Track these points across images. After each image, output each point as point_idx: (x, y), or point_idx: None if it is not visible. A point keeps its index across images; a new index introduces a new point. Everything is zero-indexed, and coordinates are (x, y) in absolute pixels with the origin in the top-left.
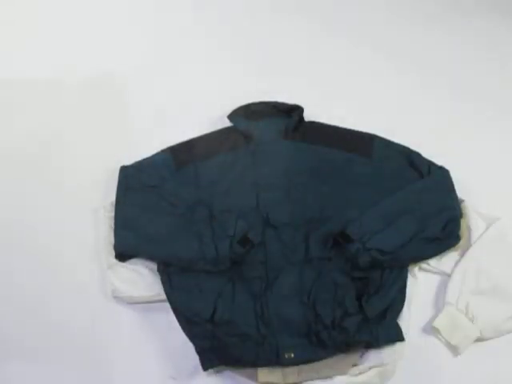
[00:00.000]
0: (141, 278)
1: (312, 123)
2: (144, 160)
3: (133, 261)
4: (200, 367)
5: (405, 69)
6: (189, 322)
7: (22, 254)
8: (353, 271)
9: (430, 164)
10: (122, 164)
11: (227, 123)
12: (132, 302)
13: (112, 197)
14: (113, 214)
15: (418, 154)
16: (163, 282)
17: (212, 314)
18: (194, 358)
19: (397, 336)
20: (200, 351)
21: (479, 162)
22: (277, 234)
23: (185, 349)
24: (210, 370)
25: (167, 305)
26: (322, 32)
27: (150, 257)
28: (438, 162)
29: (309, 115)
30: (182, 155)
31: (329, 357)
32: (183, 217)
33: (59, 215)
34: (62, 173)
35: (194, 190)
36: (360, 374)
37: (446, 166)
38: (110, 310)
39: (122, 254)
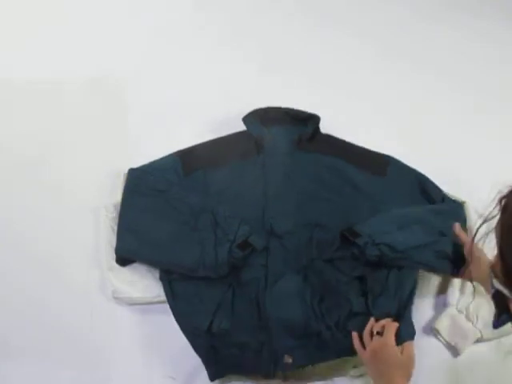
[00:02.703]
0: (141, 279)
1: (328, 136)
2: (152, 163)
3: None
4: (200, 367)
5: (405, 68)
6: (190, 334)
7: (21, 254)
8: (355, 270)
9: (445, 196)
10: (120, 164)
11: (226, 123)
12: (132, 303)
13: (112, 197)
14: (114, 214)
15: (432, 183)
16: (165, 292)
17: (209, 325)
18: (194, 358)
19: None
20: (205, 362)
21: (480, 161)
22: (280, 242)
23: (184, 349)
24: None
25: (167, 306)
26: (322, 31)
27: (150, 262)
28: (439, 161)
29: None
30: (191, 160)
31: (329, 359)
32: (187, 224)
33: (59, 216)
34: (62, 173)
35: (201, 197)
36: (361, 375)
37: (447, 166)
38: (109, 311)
39: (123, 259)
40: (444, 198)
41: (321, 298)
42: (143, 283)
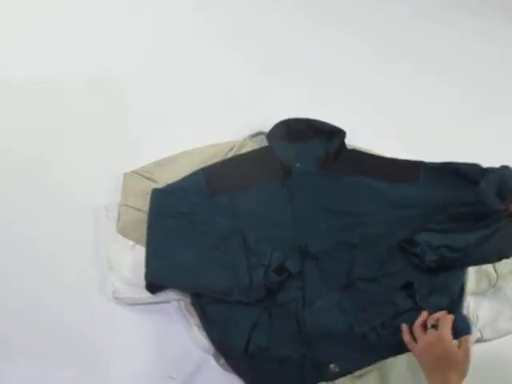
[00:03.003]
0: (141, 279)
1: (354, 151)
2: (177, 182)
3: (133, 261)
4: (200, 367)
5: (405, 68)
6: (229, 358)
7: (21, 254)
8: (400, 280)
9: (484, 171)
10: (120, 164)
11: (226, 123)
12: (132, 303)
13: (112, 197)
14: (114, 214)
15: (466, 165)
16: (199, 316)
17: (246, 345)
18: (194, 358)
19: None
20: (246, 382)
21: (480, 161)
22: (316, 263)
23: (184, 349)
24: (211, 369)
25: (167, 306)
26: (322, 31)
27: (181, 287)
28: (437, 160)
29: (308, 114)
30: (216, 181)
31: (376, 362)
32: (215, 247)
33: (59, 216)
34: (62, 173)
35: (228, 220)
36: (361, 375)
37: None
38: (109, 311)
39: (153, 285)
40: (484, 172)
41: (363, 308)
42: (143, 283)
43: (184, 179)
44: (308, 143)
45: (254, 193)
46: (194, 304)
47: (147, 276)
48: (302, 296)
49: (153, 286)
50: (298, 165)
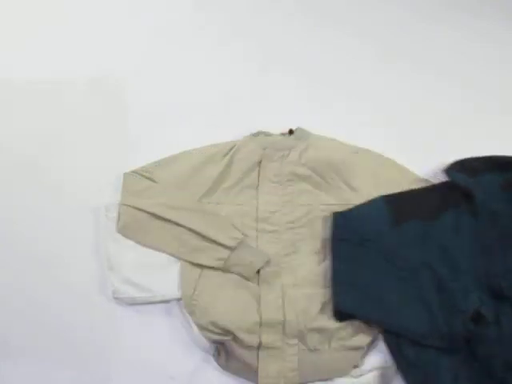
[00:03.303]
0: (142, 279)
1: None
2: (356, 208)
3: (133, 261)
4: (200, 367)
5: (405, 68)
6: None
7: (21, 254)
8: None
9: None
10: (120, 164)
11: (226, 123)
12: (132, 303)
13: (112, 197)
14: (114, 214)
15: None
16: (394, 356)
17: None
18: (194, 358)
19: None
20: None
21: None
22: None
23: (184, 349)
24: (211, 369)
25: (167, 306)
26: (322, 31)
27: (376, 322)
28: (439, 161)
29: (308, 114)
30: (400, 209)
31: None
32: (408, 281)
33: (59, 216)
34: (62, 173)
35: (417, 251)
36: (361, 375)
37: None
38: (109, 311)
39: (343, 313)
40: None
41: None
42: (144, 283)
43: (363, 205)
44: (489, 174)
45: (440, 222)
46: (387, 341)
47: (339, 305)
48: (503, 352)
49: (342, 314)
50: (482, 190)
